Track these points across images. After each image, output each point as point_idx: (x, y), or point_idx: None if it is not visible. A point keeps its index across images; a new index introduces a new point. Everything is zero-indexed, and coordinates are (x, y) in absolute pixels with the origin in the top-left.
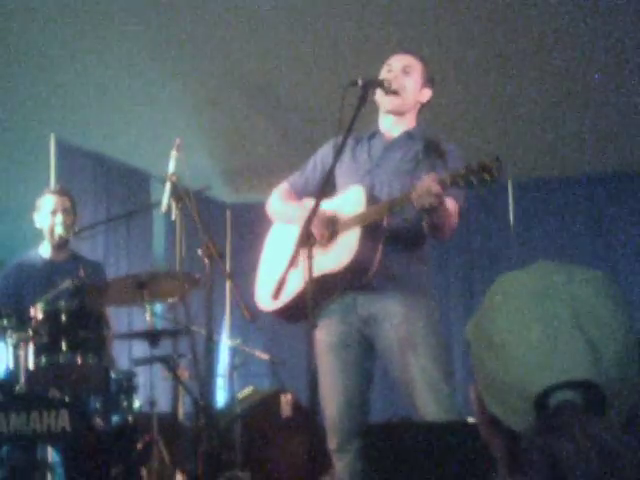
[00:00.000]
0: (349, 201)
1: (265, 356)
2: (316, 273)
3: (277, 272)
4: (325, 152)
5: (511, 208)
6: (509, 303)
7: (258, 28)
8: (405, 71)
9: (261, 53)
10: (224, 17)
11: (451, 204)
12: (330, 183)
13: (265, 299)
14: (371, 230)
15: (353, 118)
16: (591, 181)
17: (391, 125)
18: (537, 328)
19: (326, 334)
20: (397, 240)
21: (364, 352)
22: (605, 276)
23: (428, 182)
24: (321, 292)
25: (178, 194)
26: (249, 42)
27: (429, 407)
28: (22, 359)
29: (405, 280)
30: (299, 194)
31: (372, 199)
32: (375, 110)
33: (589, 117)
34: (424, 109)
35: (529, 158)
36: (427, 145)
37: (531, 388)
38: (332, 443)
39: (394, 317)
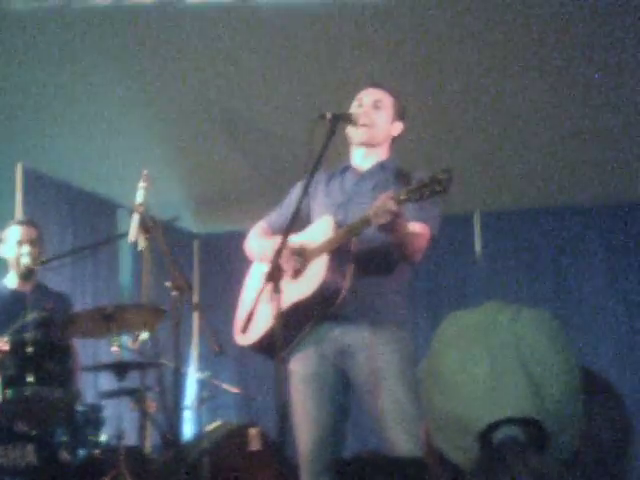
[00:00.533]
0: (318, 231)
1: (233, 389)
2: (287, 304)
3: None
4: (299, 189)
5: (477, 240)
6: (456, 341)
7: (229, 57)
8: (376, 106)
9: (231, 83)
10: (193, 46)
11: (419, 227)
12: (300, 217)
13: (239, 335)
14: (337, 255)
15: (322, 151)
16: (559, 212)
17: (362, 158)
18: (481, 366)
19: (300, 367)
20: (367, 268)
21: (339, 385)
22: (549, 315)
23: (383, 200)
24: (294, 323)
25: (146, 225)
26: (219, 72)
27: (401, 441)
28: None
29: (379, 311)
30: (276, 232)
31: (340, 227)
32: (346, 144)
33: (556, 149)
34: (396, 142)
35: (495, 191)
36: (397, 175)
37: (475, 424)
38: (305, 477)
39: (368, 349)
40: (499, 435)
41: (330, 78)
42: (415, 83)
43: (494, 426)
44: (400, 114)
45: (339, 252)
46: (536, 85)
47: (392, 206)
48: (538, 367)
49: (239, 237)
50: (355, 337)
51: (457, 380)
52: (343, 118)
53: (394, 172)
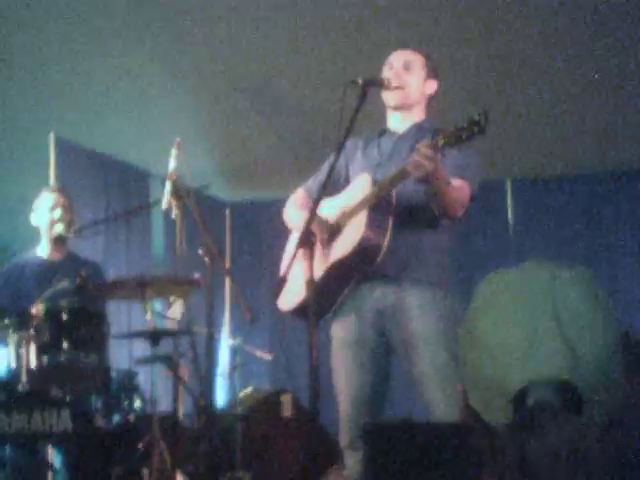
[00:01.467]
0: (356, 189)
1: (266, 355)
2: (326, 265)
3: (290, 275)
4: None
5: (510, 208)
6: (493, 301)
7: (258, 28)
8: (406, 67)
9: (261, 52)
10: (224, 16)
11: (458, 182)
12: (339, 182)
13: (280, 300)
14: (376, 211)
15: (354, 116)
16: (590, 180)
17: (398, 121)
18: (518, 328)
19: (341, 331)
20: (407, 224)
21: (379, 348)
22: (589, 275)
23: (420, 149)
24: (334, 286)
25: (178, 192)
26: (249, 41)
27: (440, 404)
28: (24, 358)
29: (419, 270)
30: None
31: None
32: (379, 109)
33: (588, 116)
34: (432, 101)
35: (528, 158)
36: (434, 134)
37: (510, 385)
38: (344, 440)
39: (408, 310)
40: (533, 397)
41: (359, 45)
42: (447, 46)
43: (529, 389)
44: (433, 72)
45: (378, 208)
46: (571, 49)
47: (430, 153)
48: (575, 328)
49: (270, 205)
50: (395, 298)
51: (493, 340)
52: (374, 82)
53: (431, 132)
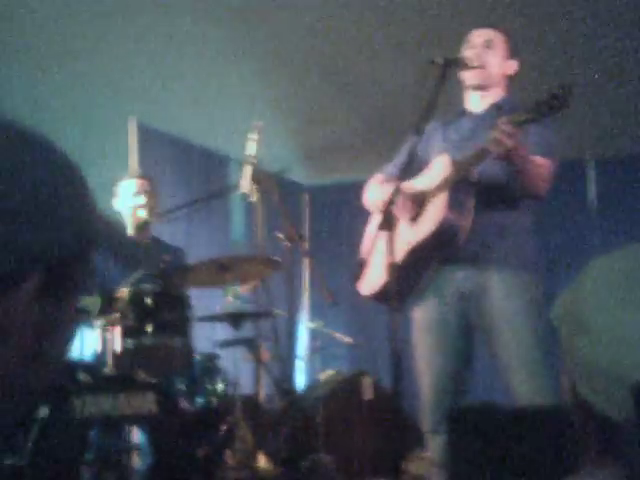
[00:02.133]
0: (435, 171)
1: (345, 339)
2: (406, 249)
3: (370, 259)
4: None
5: (592, 188)
6: (602, 287)
7: (337, 9)
8: (487, 46)
9: (340, 35)
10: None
11: (540, 159)
12: (419, 165)
13: (361, 283)
14: (456, 192)
15: (433, 98)
16: None
17: (478, 101)
18: (633, 312)
19: (422, 314)
20: (489, 204)
21: (461, 332)
22: None
23: (500, 125)
24: (415, 269)
25: (257, 176)
26: (328, 24)
27: (524, 388)
28: (109, 342)
29: (502, 252)
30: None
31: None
32: (459, 89)
33: None
34: (512, 81)
35: (609, 136)
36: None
37: (629, 374)
38: (426, 424)
39: (493, 294)
40: None
41: (440, 25)
42: (526, 17)
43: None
44: (513, 52)
45: (458, 189)
46: None
47: (509, 129)
48: None
49: (349, 188)
50: (478, 281)
51: (605, 326)
52: (454, 62)
53: (511, 112)
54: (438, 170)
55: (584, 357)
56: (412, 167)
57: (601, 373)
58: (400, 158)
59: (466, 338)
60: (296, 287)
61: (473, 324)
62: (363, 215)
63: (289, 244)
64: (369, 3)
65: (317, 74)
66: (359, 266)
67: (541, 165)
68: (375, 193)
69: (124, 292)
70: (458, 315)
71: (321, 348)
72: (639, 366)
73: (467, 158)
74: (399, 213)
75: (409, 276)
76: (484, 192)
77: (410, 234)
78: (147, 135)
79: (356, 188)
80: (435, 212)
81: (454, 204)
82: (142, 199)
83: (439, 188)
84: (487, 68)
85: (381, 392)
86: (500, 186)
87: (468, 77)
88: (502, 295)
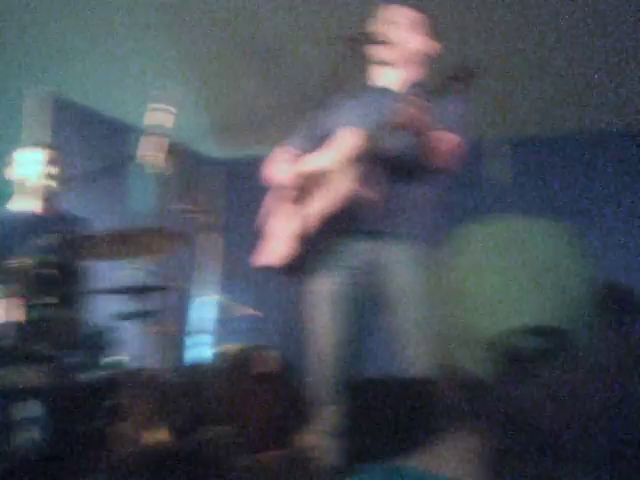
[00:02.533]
0: (342, 144)
1: (251, 312)
2: (312, 221)
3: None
4: (322, 110)
5: (499, 165)
6: (471, 252)
7: None
8: (396, 22)
9: (246, 5)
10: None
11: (446, 133)
12: (321, 137)
13: (264, 255)
14: (363, 165)
15: (340, 72)
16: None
17: (388, 77)
18: (496, 276)
19: (324, 284)
20: (395, 178)
21: (362, 304)
22: (565, 228)
23: (406, 98)
24: (320, 240)
25: (164, 147)
26: None
27: (419, 360)
28: (4, 313)
29: (407, 225)
30: (299, 154)
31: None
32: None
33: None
34: (428, 60)
35: (524, 118)
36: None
37: (487, 332)
38: (322, 395)
39: (392, 266)
40: (514, 344)
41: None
42: None
43: (508, 334)
44: (427, 30)
45: (365, 162)
46: None
47: (416, 102)
48: (553, 278)
49: (264, 162)
50: (378, 253)
51: (471, 290)
52: (362, 37)
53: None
54: (344, 143)
55: (451, 319)
56: (318, 140)
57: (467, 334)
58: (306, 131)
59: (366, 310)
60: (202, 261)
61: (374, 295)
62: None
63: (196, 216)
64: None
65: (226, 43)
66: (260, 239)
67: (447, 139)
68: (280, 167)
69: (23, 262)
70: (359, 287)
71: (225, 321)
72: (497, 325)
73: (374, 131)
74: (304, 187)
75: (313, 248)
76: (390, 165)
77: (315, 207)
78: (51, 104)
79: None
80: (341, 185)
81: (361, 178)
82: (45, 168)
83: (346, 161)
84: (396, 44)
85: (282, 365)
86: (406, 159)
87: (375, 52)
88: (401, 267)
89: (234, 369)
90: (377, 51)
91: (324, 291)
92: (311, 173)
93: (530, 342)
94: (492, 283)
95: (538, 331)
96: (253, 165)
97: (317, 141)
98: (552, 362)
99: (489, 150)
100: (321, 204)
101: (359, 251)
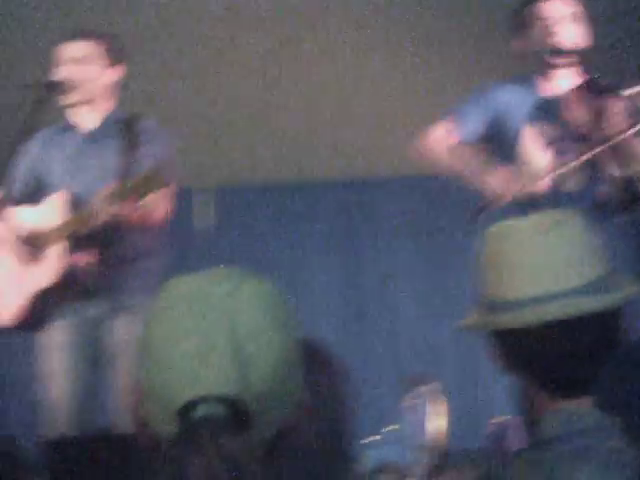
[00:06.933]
0: (52, 210)
1: None
2: (31, 286)
3: None
4: (23, 157)
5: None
6: (170, 310)
7: None
8: (77, 61)
9: None
10: None
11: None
12: (31, 186)
13: None
14: (76, 238)
15: (34, 119)
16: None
17: (83, 116)
18: (191, 339)
19: (53, 337)
20: (107, 241)
21: (86, 359)
22: (271, 288)
23: (101, 199)
24: (45, 301)
25: None
26: None
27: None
28: None
29: (124, 282)
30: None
31: (76, 204)
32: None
33: None
34: (119, 87)
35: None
36: (124, 129)
37: (177, 399)
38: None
39: (110, 323)
40: (199, 413)
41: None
42: None
43: (195, 403)
44: (116, 57)
45: (78, 236)
46: None
47: (110, 209)
48: (251, 345)
49: None
50: (102, 312)
51: (166, 352)
52: (49, 86)
53: (119, 125)
54: (56, 207)
55: (147, 379)
56: (31, 189)
57: (157, 395)
58: (14, 182)
59: (89, 365)
60: None
61: (99, 352)
62: None
63: None
64: None
65: None
66: None
67: (156, 212)
68: None
69: None
70: (84, 343)
71: None
72: (186, 392)
73: (78, 218)
74: (18, 244)
75: (42, 307)
76: (104, 232)
77: (34, 271)
78: None
79: None
80: (56, 257)
81: (77, 247)
82: None
83: (59, 233)
84: (82, 86)
85: None
86: (119, 227)
87: (66, 98)
88: (118, 324)
89: None
90: (66, 96)
91: (52, 342)
92: (28, 230)
93: (218, 411)
94: (183, 345)
95: (225, 401)
96: None
97: (26, 187)
98: (235, 435)
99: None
100: (40, 272)
101: (84, 311)
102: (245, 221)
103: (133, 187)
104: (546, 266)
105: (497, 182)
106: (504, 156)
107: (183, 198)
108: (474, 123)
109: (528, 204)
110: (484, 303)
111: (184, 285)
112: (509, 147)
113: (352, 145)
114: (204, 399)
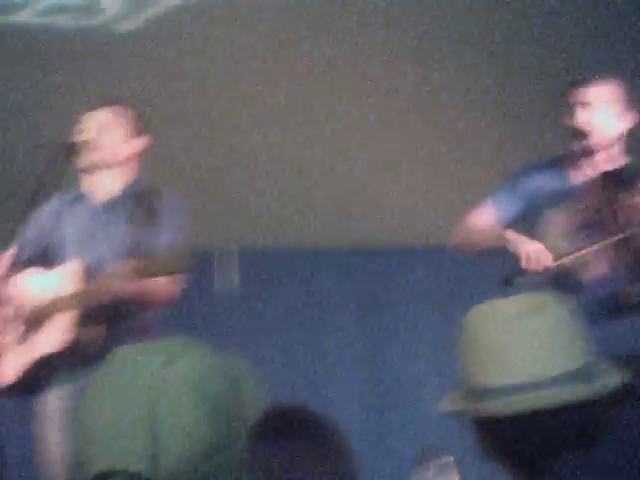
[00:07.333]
0: (65, 277)
1: None
2: (34, 355)
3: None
4: (36, 220)
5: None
6: (105, 377)
7: None
8: (100, 126)
9: None
10: None
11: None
12: (44, 251)
13: None
14: (86, 313)
15: (50, 181)
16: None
17: (98, 184)
18: (116, 410)
19: (52, 400)
20: (117, 316)
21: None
22: (211, 363)
23: (112, 272)
24: (42, 369)
25: None
26: None
27: None
28: None
29: None
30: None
31: (89, 274)
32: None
33: None
34: (141, 159)
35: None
36: (138, 203)
37: (91, 470)
38: None
39: None
40: None
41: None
42: None
43: (104, 476)
44: (140, 129)
45: (86, 309)
46: None
47: (120, 285)
48: (168, 421)
49: None
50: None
51: (92, 421)
52: (66, 148)
53: (137, 198)
54: (65, 280)
55: (77, 445)
56: (43, 252)
57: (79, 464)
58: (23, 241)
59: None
60: None
61: None
62: None
63: None
64: None
65: None
66: None
67: (163, 286)
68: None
69: None
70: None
71: None
72: (100, 464)
73: (90, 292)
74: (25, 312)
75: (42, 373)
76: (113, 305)
77: (39, 340)
78: None
79: None
80: (62, 329)
81: (83, 320)
82: None
83: (66, 304)
84: (101, 151)
85: None
86: (123, 307)
87: (84, 160)
88: None
89: None
90: (84, 160)
91: (53, 406)
92: (35, 297)
93: None
94: (106, 415)
95: (131, 476)
96: None
97: (36, 253)
98: None
99: None
100: (42, 342)
101: (79, 376)
102: (267, 286)
103: (146, 268)
104: (527, 352)
105: (533, 251)
106: (533, 238)
107: (205, 259)
108: (510, 207)
109: (555, 279)
110: (464, 387)
111: (126, 354)
112: (538, 230)
113: (383, 211)
114: (112, 474)
